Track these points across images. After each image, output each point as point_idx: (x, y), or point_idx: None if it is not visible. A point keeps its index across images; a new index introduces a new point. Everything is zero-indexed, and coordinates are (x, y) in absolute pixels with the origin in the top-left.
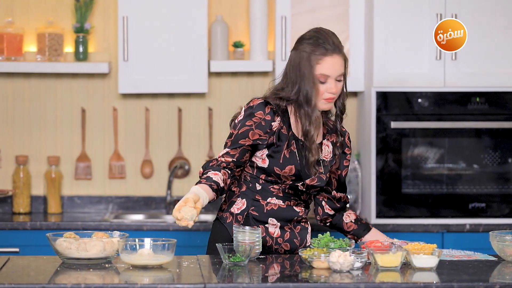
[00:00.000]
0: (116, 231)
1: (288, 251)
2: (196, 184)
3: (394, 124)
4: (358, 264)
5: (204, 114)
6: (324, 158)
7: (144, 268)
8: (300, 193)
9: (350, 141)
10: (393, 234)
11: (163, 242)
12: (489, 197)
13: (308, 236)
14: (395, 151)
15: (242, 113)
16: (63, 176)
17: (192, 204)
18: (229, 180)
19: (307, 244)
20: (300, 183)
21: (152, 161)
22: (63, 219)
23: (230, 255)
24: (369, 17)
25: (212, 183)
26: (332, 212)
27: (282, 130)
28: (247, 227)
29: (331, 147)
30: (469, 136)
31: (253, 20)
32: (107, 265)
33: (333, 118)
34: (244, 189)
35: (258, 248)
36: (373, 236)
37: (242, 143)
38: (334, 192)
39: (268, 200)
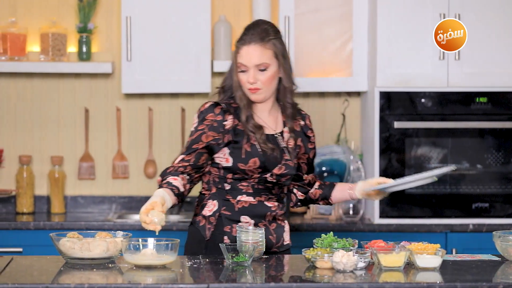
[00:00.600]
0: (119, 231)
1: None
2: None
3: (397, 124)
4: (361, 264)
5: None
6: (288, 145)
7: (148, 268)
8: (271, 186)
9: (311, 123)
10: (396, 234)
11: (167, 242)
12: (493, 197)
13: (286, 235)
14: (398, 151)
15: (196, 119)
16: (66, 176)
17: (160, 208)
18: (188, 185)
19: (285, 243)
20: (269, 174)
21: (156, 161)
22: (66, 219)
23: (234, 255)
24: (373, 17)
25: (174, 188)
26: (303, 197)
27: (238, 126)
28: (250, 227)
29: (292, 133)
30: (472, 136)
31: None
32: (110, 265)
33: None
34: (214, 191)
35: (262, 248)
36: (340, 190)
37: (195, 147)
38: (305, 176)
39: (238, 198)
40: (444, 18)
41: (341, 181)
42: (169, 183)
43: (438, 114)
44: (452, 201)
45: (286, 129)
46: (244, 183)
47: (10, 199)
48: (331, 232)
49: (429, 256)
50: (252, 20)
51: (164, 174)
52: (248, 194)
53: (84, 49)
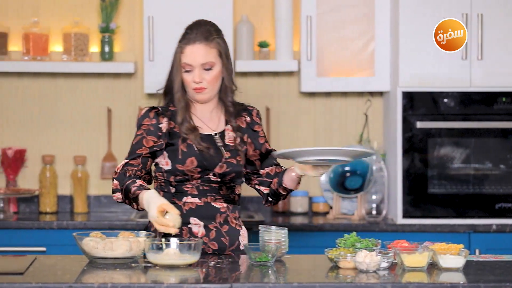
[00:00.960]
0: (142, 231)
1: (217, 250)
2: (138, 191)
3: (420, 124)
4: (384, 264)
5: None
6: (229, 143)
7: (171, 267)
8: (217, 187)
9: (259, 118)
10: (419, 235)
11: (189, 242)
12: None
13: (241, 239)
14: (421, 151)
15: (135, 128)
16: (89, 176)
17: (175, 210)
18: None
19: (241, 247)
20: (211, 174)
21: None
22: (89, 219)
23: (257, 254)
24: (395, 16)
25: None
26: (268, 190)
27: (175, 128)
28: (273, 227)
29: (237, 132)
30: (495, 136)
31: (278, 20)
32: (133, 264)
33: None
34: (161, 195)
35: (285, 247)
36: (288, 171)
37: (139, 152)
38: (261, 171)
39: (184, 200)
40: (466, 17)
41: (363, 182)
42: (143, 186)
43: (460, 114)
44: (475, 201)
45: (228, 127)
46: (188, 185)
47: (33, 199)
48: (354, 232)
49: (452, 257)
50: (275, 20)
51: (123, 179)
52: (193, 196)
53: (107, 49)
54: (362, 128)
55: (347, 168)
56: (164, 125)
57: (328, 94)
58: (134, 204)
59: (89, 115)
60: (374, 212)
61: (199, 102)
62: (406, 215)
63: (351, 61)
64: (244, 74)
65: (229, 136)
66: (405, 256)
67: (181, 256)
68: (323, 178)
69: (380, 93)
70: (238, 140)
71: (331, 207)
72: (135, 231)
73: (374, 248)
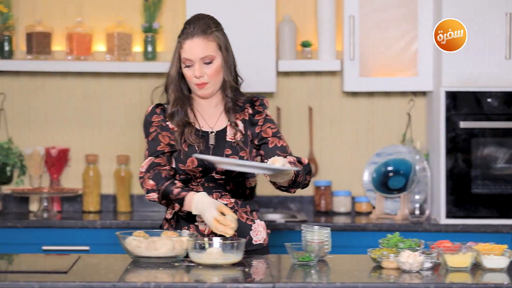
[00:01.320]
0: (185, 230)
1: None
2: (183, 192)
3: (463, 124)
4: (427, 265)
5: (272, 113)
6: (230, 140)
7: (213, 267)
8: (224, 183)
9: (263, 106)
10: (463, 235)
11: (232, 241)
12: None
13: (254, 234)
14: (464, 151)
15: (144, 128)
16: (132, 175)
17: (233, 214)
18: None
19: (254, 242)
20: (214, 172)
21: None
22: (132, 218)
23: (299, 254)
24: (438, 16)
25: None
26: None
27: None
28: (316, 227)
29: (240, 126)
30: None
31: (321, 19)
32: (176, 263)
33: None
34: None
35: (327, 247)
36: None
37: (160, 149)
38: (265, 161)
39: None
40: (510, 17)
41: (406, 182)
42: (185, 187)
43: (504, 114)
44: None
45: (229, 123)
46: (193, 183)
47: (77, 198)
48: (397, 232)
49: (496, 257)
50: (317, 20)
51: (160, 179)
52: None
53: (149, 49)
54: (405, 128)
55: (390, 168)
56: (169, 122)
57: (370, 94)
58: (176, 205)
59: (132, 114)
60: (417, 212)
61: (202, 97)
62: (449, 215)
63: (394, 61)
64: (286, 74)
65: (231, 132)
66: (448, 256)
67: (224, 256)
68: (366, 178)
69: (423, 93)
70: (239, 135)
71: (374, 207)
72: (178, 231)
73: (417, 248)
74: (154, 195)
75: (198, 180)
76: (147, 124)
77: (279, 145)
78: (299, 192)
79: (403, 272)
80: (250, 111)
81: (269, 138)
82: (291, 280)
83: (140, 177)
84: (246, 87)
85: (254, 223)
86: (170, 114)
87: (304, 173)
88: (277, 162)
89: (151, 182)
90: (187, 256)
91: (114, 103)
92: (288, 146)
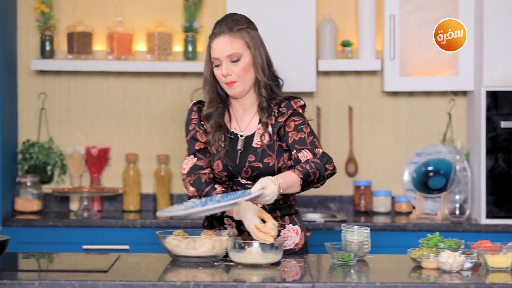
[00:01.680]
0: (224, 230)
1: None
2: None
3: (504, 124)
4: (467, 265)
5: (313, 113)
6: (256, 145)
7: (253, 266)
8: (251, 186)
9: (287, 107)
10: (503, 235)
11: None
12: None
13: (284, 236)
14: (505, 151)
15: (184, 125)
16: (172, 175)
17: (274, 221)
18: None
19: (288, 247)
20: (239, 177)
21: None
22: (172, 217)
23: (339, 254)
24: (479, 15)
25: None
26: None
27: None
28: (355, 227)
29: (270, 129)
30: None
31: (361, 19)
32: (215, 263)
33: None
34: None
35: (367, 247)
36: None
37: (198, 148)
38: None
39: None
40: None
41: (447, 182)
42: (224, 192)
43: None
44: None
45: (260, 126)
46: (224, 186)
47: (117, 197)
48: (437, 232)
49: None
50: (358, 19)
51: (200, 184)
52: None
53: (190, 49)
54: (446, 127)
55: (430, 168)
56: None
57: (411, 94)
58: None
59: (172, 114)
60: (457, 212)
61: (234, 97)
62: (489, 215)
63: (434, 60)
64: (326, 73)
65: (258, 137)
66: (489, 256)
67: (263, 255)
68: (406, 177)
69: (464, 93)
70: (266, 139)
71: (414, 207)
72: (218, 230)
73: (458, 248)
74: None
75: (227, 183)
76: (187, 122)
77: (297, 139)
78: (339, 191)
79: (443, 273)
80: (276, 114)
81: (290, 134)
82: (330, 280)
83: (183, 179)
84: (287, 87)
85: (284, 228)
86: (205, 116)
87: (321, 165)
88: (255, 186)
89: (192, 188)
90: (226, 255)
91: (154, 103)
92: (310, 137)
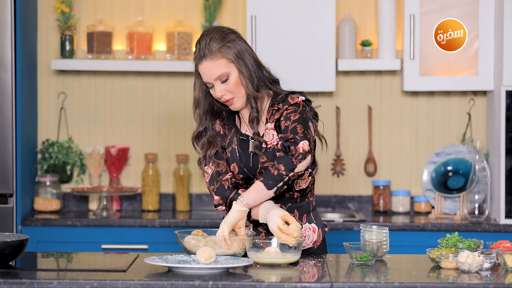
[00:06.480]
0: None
1: None
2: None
3: None
4: (487, 265)
5: (332, 112)
6: (267, 146)
7: (271, 266)
8: None
9: (283, 102)
10: None
11: None
12: None
13: (302, 236)
14: None
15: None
16: (191, 174)
17: (297, 223)
18: None
19: (307, 246)
20: (255, 179)
21: None
22: (191, 217)
23: (358, 254)
24: (499, 15)
25: None
26: None
27: (225, 130)
28: (374, 226)
29: (270, 134)
30: None
31: (381, 18)
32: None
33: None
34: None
35: (386, 247)
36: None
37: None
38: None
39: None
40: None
41: (466, 182)
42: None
43: None
44: None
45: (268, 125)
46: (242, 188)
47: (136, 197)
48: (456, 232)
49: None
50: (378, 19)
51: (224, 191)
52: None
53: None
54: (465, 127)
55: (449, 168)
56: (217, 126)
57: (431, 93)
58: None
59: (192, 113)
60: (476, 212)
61: (236, 110)
62: (509, 215)
63: (454, 60)
64: (346, 73)
65: (268, 136)
66: (508, 256)
67: (282, 255)
68: (425, 177)
69: (484, 92)
70: (275, 138)
71: (433, 207)
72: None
73: (477, 248)
74: (222, 208)
75: (244, 185)
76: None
77: (283, 128)
78: (358, 191)
79: (462, 273)
80: (276, 114)
81: (282, 124)
82: (349, 279)
83: (207, 187)
84: (306, 86)
85: (302, 227)
86: (196, 136)
87: (287, 163)
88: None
89: (216, 197)
90: (245, 255)
91: (174, 102)
92: (294, 123)
